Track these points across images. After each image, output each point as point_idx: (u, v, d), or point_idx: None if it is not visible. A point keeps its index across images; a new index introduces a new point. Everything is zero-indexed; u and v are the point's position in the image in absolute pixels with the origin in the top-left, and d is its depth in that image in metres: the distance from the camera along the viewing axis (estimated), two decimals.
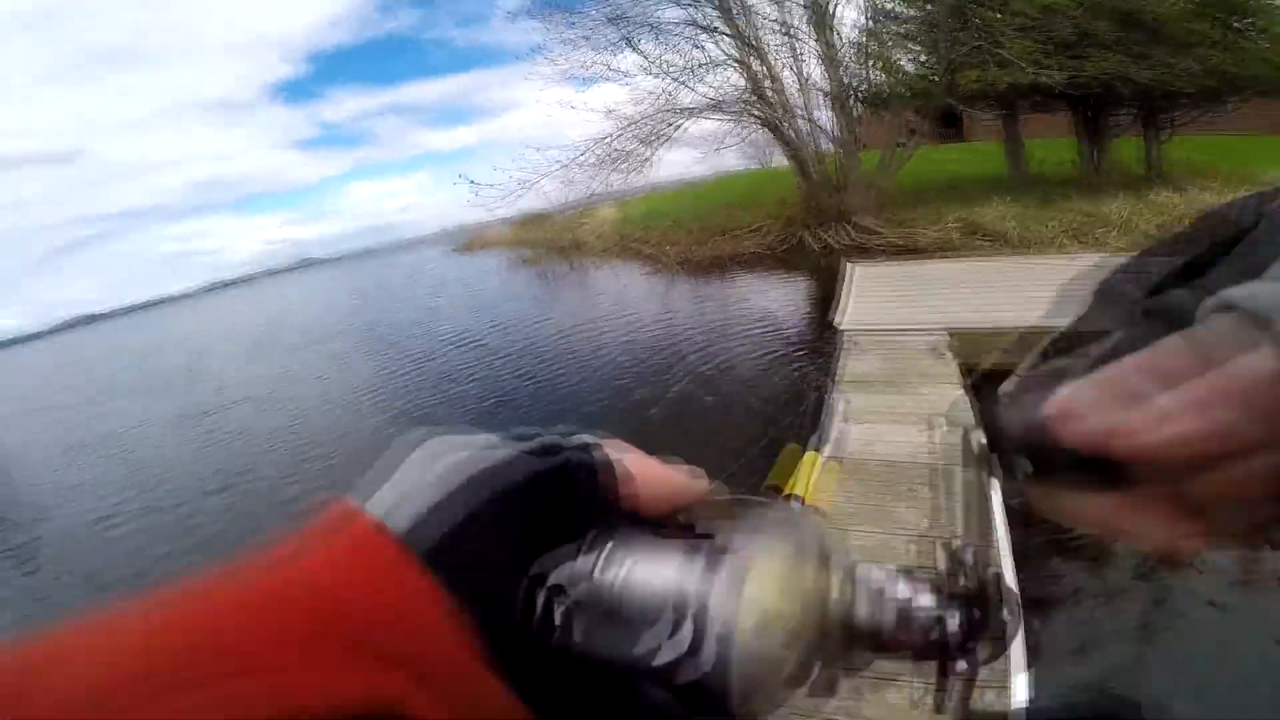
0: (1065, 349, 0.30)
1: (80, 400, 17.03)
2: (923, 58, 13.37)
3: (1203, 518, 0.23)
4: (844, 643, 0.26)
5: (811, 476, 0.61)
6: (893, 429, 4.22)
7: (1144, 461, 0.22)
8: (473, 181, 11.77)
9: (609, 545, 0.25)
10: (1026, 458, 0.27)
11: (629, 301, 12.26)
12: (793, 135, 13.26)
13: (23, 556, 6.76)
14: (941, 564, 0.27)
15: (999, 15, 10.72)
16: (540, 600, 0.24)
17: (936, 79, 12.25)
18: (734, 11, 12.63)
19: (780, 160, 16.72)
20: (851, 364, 5.41)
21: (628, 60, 13.24)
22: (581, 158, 12.70)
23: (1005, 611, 0.26)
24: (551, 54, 13.22)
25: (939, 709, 0.26)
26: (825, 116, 13.86)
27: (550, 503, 0.24)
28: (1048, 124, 14.92)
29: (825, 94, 13.43)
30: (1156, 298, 0.30)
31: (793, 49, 13.20)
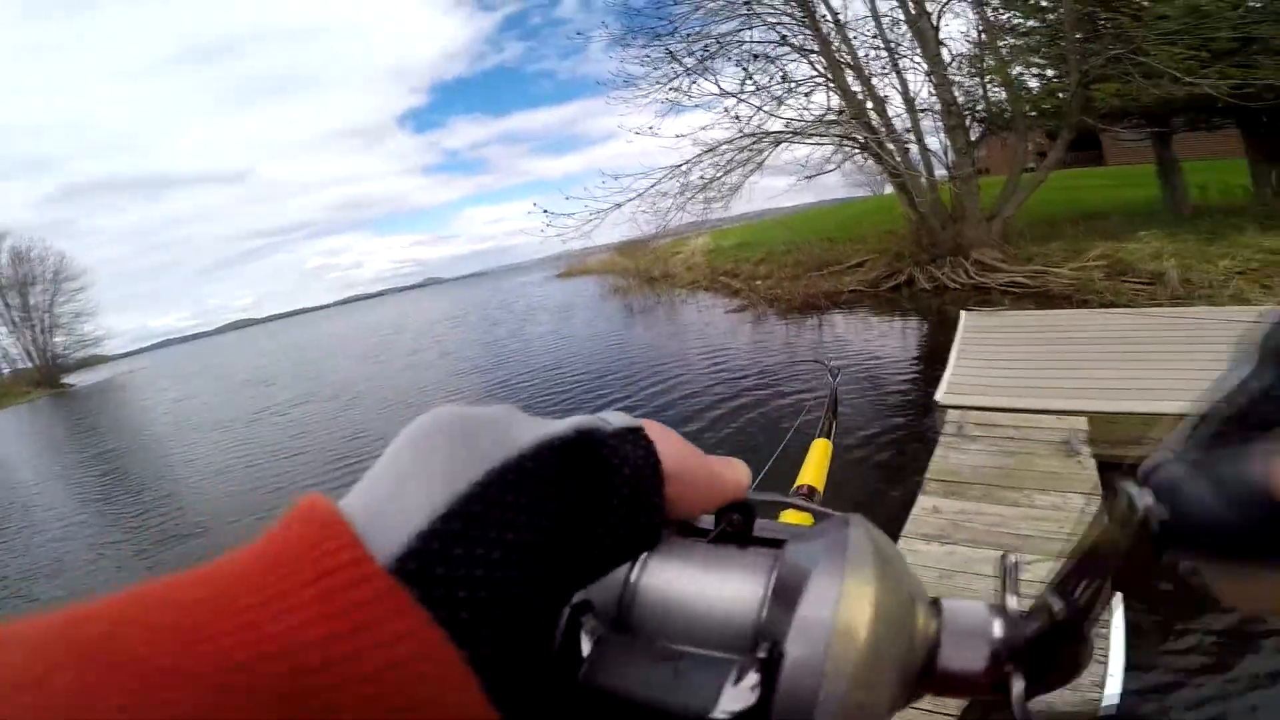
0: (1235, 414, 0.25)
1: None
2: (1049, 72, 11.83)
3: None
4: (920, 688, 0.22)
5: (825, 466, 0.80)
6: (986, 557, 3.25)
7: None
8: (545, 211, 11.53)
9: (650, 554, 0.21)
10: (1220, 535, 0.21)
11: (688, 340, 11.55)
12: (897, 160, 12.07)
13: None
14: (1010, 584, 0.25)
15: (1137, 21, 9.14)
16: (563, 623, 0.19)
17: (1067, 94, 10.72)
18: (825, 29, 11.70)
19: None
20: (948, 456, 4.29)
21: (712, 85, 12.62)
22: (657, 186, 12.14)
23: (1086, 646, 0.22)
24: (635, 80, 12.78)
25: None
26: (937, 140, 12.56)
27: (586, 504, 0.18)
28: (1211, 143, 12.81)
29: (936, 114, 12.16)
30: None
31: (895, 65, 12.07)
